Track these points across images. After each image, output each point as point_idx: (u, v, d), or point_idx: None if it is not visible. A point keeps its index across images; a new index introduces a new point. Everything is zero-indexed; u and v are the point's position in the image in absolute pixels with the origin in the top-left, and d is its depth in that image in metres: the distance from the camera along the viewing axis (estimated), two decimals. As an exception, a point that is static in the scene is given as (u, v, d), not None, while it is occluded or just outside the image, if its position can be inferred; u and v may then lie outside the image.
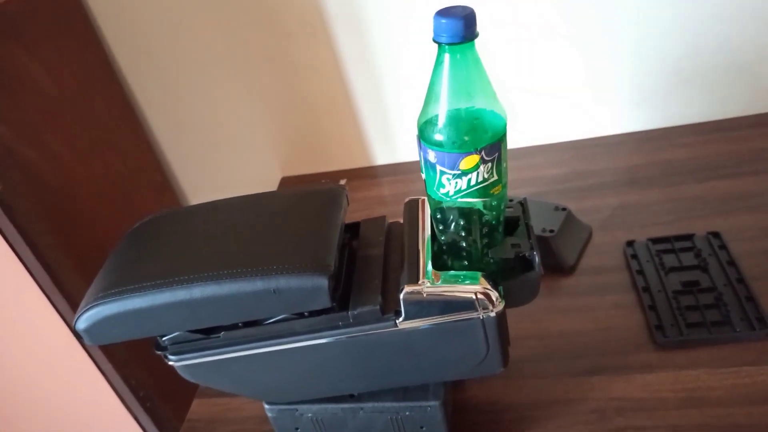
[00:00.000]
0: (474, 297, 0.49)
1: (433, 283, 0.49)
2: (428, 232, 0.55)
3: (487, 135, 0.46)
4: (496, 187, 0.50)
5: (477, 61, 0.45)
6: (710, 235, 0.79)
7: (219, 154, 1.18)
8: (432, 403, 0.56)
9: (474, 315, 0.49)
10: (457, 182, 0.47)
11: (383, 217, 0.61)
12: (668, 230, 0.82)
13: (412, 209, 0.58)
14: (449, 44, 0.43)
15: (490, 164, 0.47)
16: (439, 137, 0.46)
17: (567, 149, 1.05)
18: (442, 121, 0.46)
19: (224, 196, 1.19)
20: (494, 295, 0.49)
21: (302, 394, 0.59)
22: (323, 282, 0.48)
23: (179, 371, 0.56)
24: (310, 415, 0.59)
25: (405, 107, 1.07)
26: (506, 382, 0.69)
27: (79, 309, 0.53)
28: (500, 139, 0.47)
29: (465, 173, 0.46)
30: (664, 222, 0.85)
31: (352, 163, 1.15)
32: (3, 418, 1.05)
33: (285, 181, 1.17)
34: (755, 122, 0.99)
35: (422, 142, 0.48)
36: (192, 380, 0.57)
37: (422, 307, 0.50)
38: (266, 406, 0.60)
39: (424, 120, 0.48)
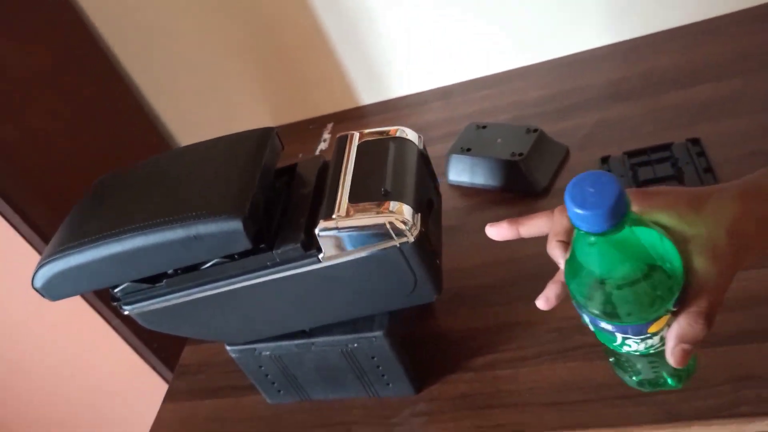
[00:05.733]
0: (387, 225, 0.48)
1: (345, 216, 0.49)
2: (351, 166, 0.55)
3: (672, 294, 0.36)
4: None
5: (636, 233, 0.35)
6: (689, 142, 0.75)
7: (212, 111, 1.19)
8: (376, 333, 0.57)
9: (390, 244, 0.49)
10: (647, 342, 0.38)
11: (319, 157, 0.61)
12: (648, 141, 0.78)
13: (341, 145, 0.58)
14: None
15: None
16: (614, 312, 0.37)
17: (551, 69, 1.00)
18: (612, 295, 0.37)
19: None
20: (409, 221, 0.49)
21: (255, 333, 0.61)
22: (238, 224, 0.49)
23: (137, 320, 0.60)
24: (267, 353, 0.61)
25: (381, 41, 1.04)
26: (472, 310, 0.69)
27: (35, 269, 0.56)
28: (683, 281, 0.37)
29: (656, 334, 0.38)
30: (644, 134, 0.80)
31: (339, 106, 1.14)
32: (25, 382, 1.15)
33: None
34: (742, 18, 0.90)
35: (586, 312, 0.38)
36: (151, 328, 0.60)
37: (340, 240, 0.50)
38: (227, 348, 0.63)
39: (581, 293, 0.38)
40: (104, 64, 1.08)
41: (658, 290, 0.36)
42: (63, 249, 0.54)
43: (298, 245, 0.51)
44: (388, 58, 1.06)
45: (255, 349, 0.62)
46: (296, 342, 0.60)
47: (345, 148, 0.57)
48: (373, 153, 0.56)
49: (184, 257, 0.53)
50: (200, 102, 1.18)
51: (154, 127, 1.19)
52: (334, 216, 0.50)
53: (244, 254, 0.53)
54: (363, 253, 0.50)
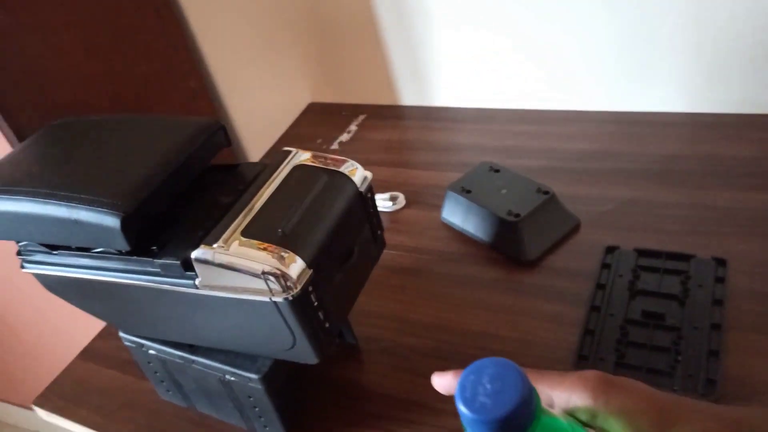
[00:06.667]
0: (261, 275, 0.42)
1: (227, 249, 0.43)
2: (270, 190, 0.48)
3: None
4: None
5: None
6: (715, 261, 0.62)
7: (256, 71, 1.15)
8: (252, 375, 0.51)
9: (263, 295, 0.43)
10: None
11: (260, 164, 0.54)
12: (672, 243, 0.66)
13: (277, 161, 0.51)
14: None
15: None
16: None
17: (605, 122, 0.87)
18: None
19: (256, 110, 1.18)
20: (291, 276, 0.42)
21: (141, 330, 0.57)
22: (116, 222, 0.44)
23: (38, 280, 0.57)
24: (153, 352, 0.57)
25: (436, 45, 0.95)
26: (393, 372, 0.62)
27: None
28: None
29: None
30: (673, 232, 0.68)
31: (377, 99, 1.07)
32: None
33: (311, 107, 1.12)
34: None
35: None
36: (50, 292, 0.57)
37: (216, 272, 0.44)
38: (120, 334, 0.59)
39: None
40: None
41: None
42: (-26, 189, 0.52)
43: (177, 263, 0.45)
44: (438, 62, 0.97)
45: (143, 345, 0.57)
46: (179, 353, 0.55)
47: (278, 166, 0.50)
48: (299, 183, 0.49)
49: (69, 237, 0.48)
50: (248, 55, 1.14)
51: (197, 71, 1.16)
52: (214, 245, 0.44)
53: (129, 252, 0.48)
54: (234, 295, 0.44)
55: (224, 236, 0.44)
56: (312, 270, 0.43)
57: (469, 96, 0.98)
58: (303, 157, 0.52)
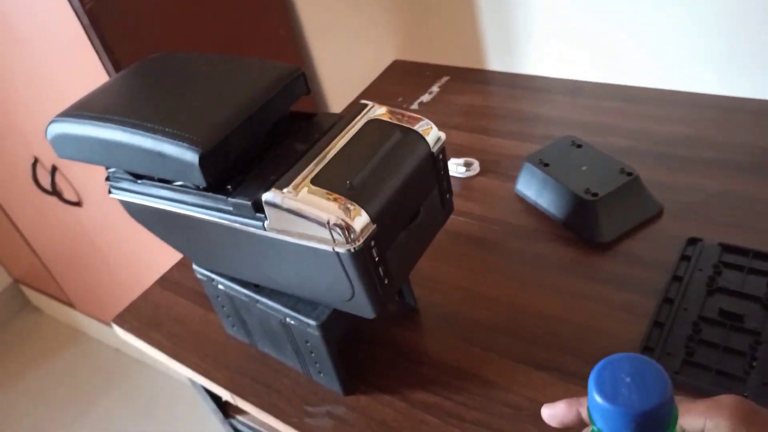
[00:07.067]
0: (327, 224, 0.42)
1: (296, 195, 0.44)
2: (344, 142, 0.48)
3: None
4: None
5: None
6: (809, 265, 0.57)
7: (344, 21, 1.15)
8: (311, 321, 0.52)
9: (327, 244, 0.43)
10: None
11: (337, 114, 0.54)
12: (762, 242, 0.62)
13: (354, 113, 0.51)
14: None
15: None
16: None
17: (708, 106, 0.81)
18: None
19: (341, 63, 1.18)
20: (355, 229, 0.42)
21: (212, 265, 0.59)
22: (194, 157, 0.46)
23: (123, 206, 0.60)
24: (222, 288, 0.60)
25: (531, 10, 0.91)
26: (450, 339, 0.61)
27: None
28: None
29: None
30: (763, 230, 0.63)
31: (463, 62, 1.04)
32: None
33: (395, 65, 1.11)
34: None
35: None
36: (133, 218, 0.61)
37: (283, 217, 0.45)
38: (194, 266, 0.62)
39: None
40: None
41: None
42: (72, 113, 0.55)
43: (249, 204, 0.47)
44: (531, 28, 0.93)
45: (213, 279, 0.60)
46: (245, 291, 0.57)
47: (353, 118, 0.50)
48: (372, 137, 0.49)
49: (152, 168, 0.51)
50: (336, 9, 1.13)
51: (288, 19, 1.17)
52: (284, 190, 0.44)
53: (205, 188, 0.50)
54: (300, 241, 0.45)
55: (295, 182, 0.45)
56: (376, 225, 0.43)
57: (558, 66, 0.94)
58: (379, 111, 0.52)
